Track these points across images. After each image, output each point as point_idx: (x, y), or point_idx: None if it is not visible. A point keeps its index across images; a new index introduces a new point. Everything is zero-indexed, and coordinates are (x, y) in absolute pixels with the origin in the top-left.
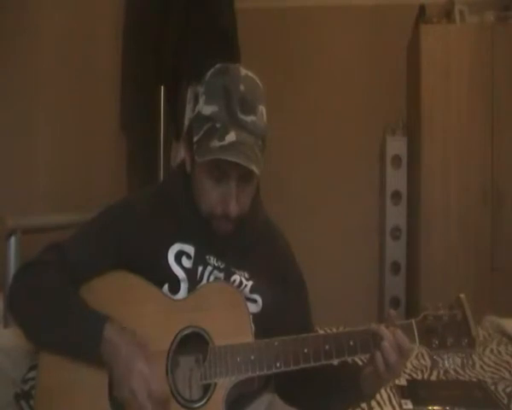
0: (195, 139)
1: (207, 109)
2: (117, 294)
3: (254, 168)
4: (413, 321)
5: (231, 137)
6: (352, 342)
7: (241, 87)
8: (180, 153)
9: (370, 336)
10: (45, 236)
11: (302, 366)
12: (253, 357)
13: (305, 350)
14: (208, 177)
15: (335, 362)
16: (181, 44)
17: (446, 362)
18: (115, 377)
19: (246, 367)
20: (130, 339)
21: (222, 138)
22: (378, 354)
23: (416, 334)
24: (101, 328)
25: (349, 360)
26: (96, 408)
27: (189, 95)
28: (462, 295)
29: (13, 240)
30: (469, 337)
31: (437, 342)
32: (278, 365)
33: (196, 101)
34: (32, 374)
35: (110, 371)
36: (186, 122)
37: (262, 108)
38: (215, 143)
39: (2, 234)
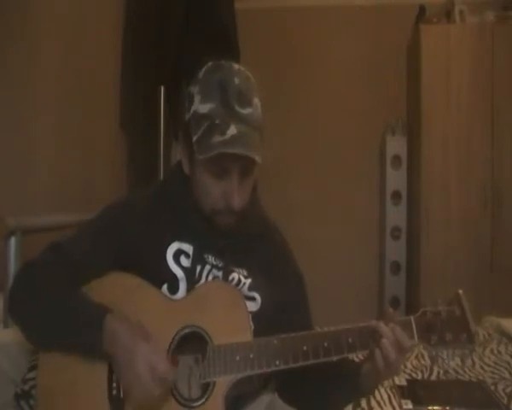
0: (195, 139)
1: (204, 108)
2: (116, 294)
3: (257, 158)
4: (412, 318)
5: (232, 130)
6: (350, 340)
7: (236, 80)
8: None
9: (369, 333)
10: (45, 236)
11: (301, 363)
12: (252, 355)
13: (304, 348)
14: (209, 174)
15: (334, 360)
16: (181, 44)
17: (446, 360)
18: (119, 364)
19: (245, 366)
20: (130, 325)
21: (223, 133)
22: (377, 352)
23: (414, 331)
24: (101, 320)
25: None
26: (95, 407)
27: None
28: (460, 291)
29: (13, 240)
30: (468, 333)
31: (436, 339)
32: (277, 363)
33: (190, 101)
34: (31, 374)
35: (113, 360)
36: (181, 124)
37: (257, 100)
38: (217, 139)
39: (2, 234)
